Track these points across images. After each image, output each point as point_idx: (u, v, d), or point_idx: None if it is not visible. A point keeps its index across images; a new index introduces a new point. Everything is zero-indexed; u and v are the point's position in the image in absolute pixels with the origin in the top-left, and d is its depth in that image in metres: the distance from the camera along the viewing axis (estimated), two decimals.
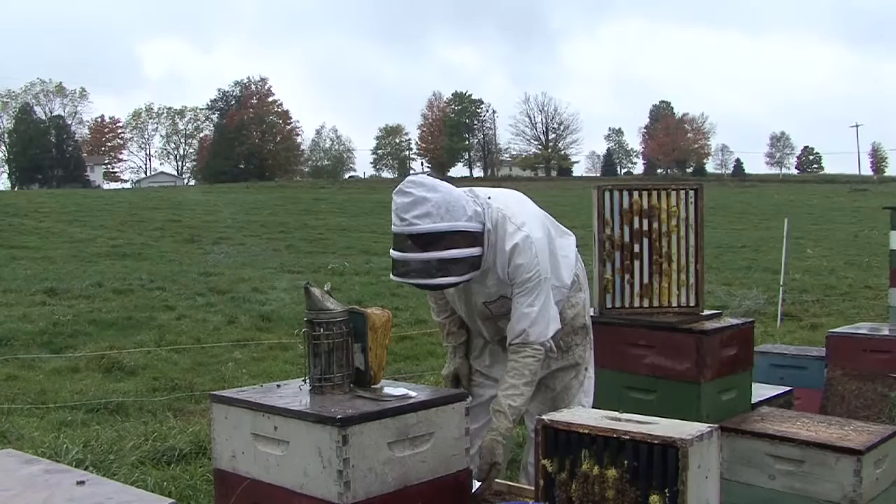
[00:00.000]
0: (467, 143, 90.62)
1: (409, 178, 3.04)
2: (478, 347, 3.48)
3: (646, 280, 3.60)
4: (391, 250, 3.01)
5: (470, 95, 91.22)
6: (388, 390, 2.59)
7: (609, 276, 3.60)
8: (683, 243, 3.59)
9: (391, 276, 3.03)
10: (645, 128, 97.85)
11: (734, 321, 3.61)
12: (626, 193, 3.59)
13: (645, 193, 3.60)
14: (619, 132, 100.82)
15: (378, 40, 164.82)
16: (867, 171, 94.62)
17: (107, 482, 1.99)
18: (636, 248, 3.59)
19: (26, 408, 6.60)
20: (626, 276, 3.61)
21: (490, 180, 68.72)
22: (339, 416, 2.29)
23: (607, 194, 3.59)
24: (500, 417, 2.98)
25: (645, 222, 3.59)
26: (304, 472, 2.35)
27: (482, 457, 2.96)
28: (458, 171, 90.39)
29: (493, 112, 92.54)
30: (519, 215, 3.12)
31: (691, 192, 3.60)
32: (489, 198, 3.14)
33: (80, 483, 1.89)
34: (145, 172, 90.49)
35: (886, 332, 4.65)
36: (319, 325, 2.57)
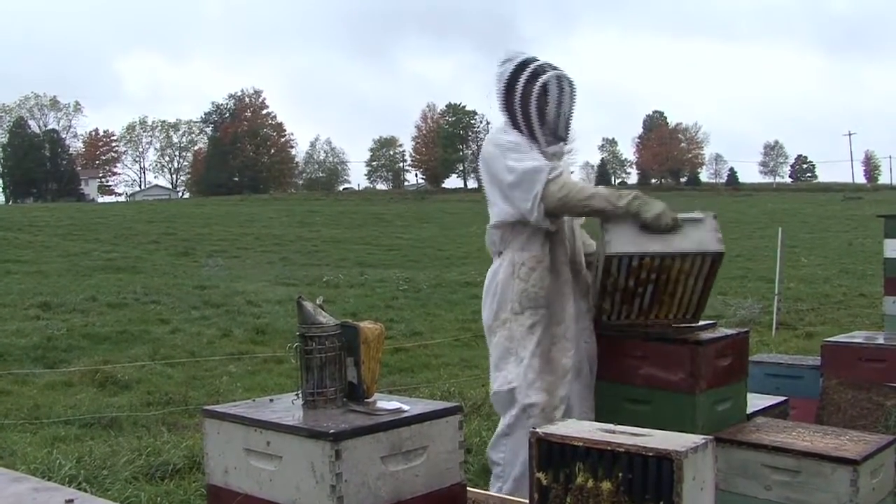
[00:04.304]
0: (461, 154, 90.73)
1: None
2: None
3: (645, 307, 3.52)
4: (538, 61, 3.56)
5: (464, 107, 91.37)
6: (381, 404, 2.57)
7: (608, 307, 3.53)
8: (690, 284, 3.45)
9: (543, 79, 3.49)
10: (638, 138, 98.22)
11: (729, 331, 3.60)
12: (636, 257, 3.38)
13: (658, 258, 3.38)
14: (612, 142, 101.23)
15: (354, 54, 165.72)
16: (861, 179, 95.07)
17: (96, 500, 1.97)
18: (639, 290, 3.48)
19: (19, 423, 6.57)
20: (625, 306, 3.53)
21: None
22: (332, 431, 2.28)
23: (615, 261, 3.37)
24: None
25: (653, 275, 3.45)
26: (296, 487, 2.34)
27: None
28: (453, 182, 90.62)
29: (488, 123, 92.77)
30: None
31: (708, 258, 3.40)
32: None
33: (69, 502, 1.87)
34: (140, 186, 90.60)
35: (882, 341, 4.64)
36: (312, 339, 2.56)
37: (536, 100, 3.49)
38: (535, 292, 3.49)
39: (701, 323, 3.61)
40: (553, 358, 3.52)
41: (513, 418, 3.47)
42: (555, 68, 3.53)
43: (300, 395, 2.61)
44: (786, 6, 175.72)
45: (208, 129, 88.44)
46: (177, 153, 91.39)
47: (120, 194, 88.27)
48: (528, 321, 3.49)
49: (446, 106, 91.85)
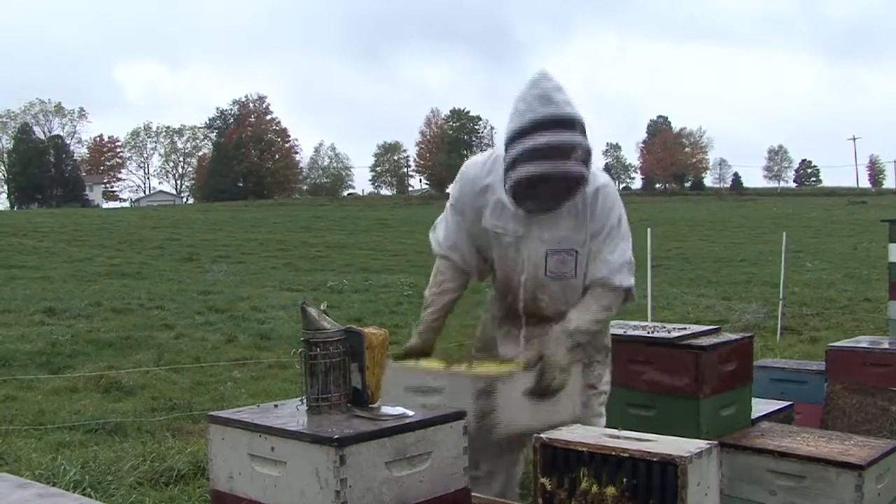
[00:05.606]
0: (466, 159, 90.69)
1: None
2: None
3: None
4: (537, 137, 2.72)
5: (468, 112, 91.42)
6: (386, 409, 2.57)
7: None
8: None
9: (520, 172, 2.76)
10: (643, 143, 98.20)
11: (733, 336, 3.60)
12: None
13: None
14: (616, 147, 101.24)
15: (357, 59, 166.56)
16: (865, 183, 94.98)
17: None
18: None
19: (24, 429, 6.57)
20: None
21: None
22: (337, 436, 2.28)
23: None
24: (552, 344, 2.85)
25: None
26: (301, 492, 2.34)
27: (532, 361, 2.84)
28: None
29: (492, 128, 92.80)
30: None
31: None
32: None
33: None
34: (144, 191, 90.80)
35: (887, 346, 4.63)
36: (316, 344, 2.56)
37: (513, 185, 2.92)
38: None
39: (705, 328, 3.62)
40: None
41: None
42: (550, 158, 2.76)
43: (304, 401, 2.61)
44: (787, 11, 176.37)
45: (212, 135, 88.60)
46: (181, 159, 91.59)
47: (124, 200, 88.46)
48: None
49: (450, 111, 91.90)
